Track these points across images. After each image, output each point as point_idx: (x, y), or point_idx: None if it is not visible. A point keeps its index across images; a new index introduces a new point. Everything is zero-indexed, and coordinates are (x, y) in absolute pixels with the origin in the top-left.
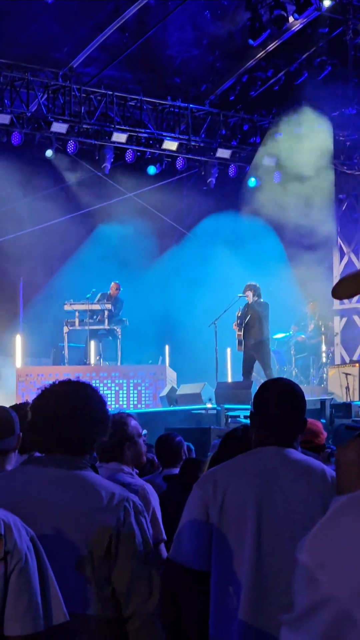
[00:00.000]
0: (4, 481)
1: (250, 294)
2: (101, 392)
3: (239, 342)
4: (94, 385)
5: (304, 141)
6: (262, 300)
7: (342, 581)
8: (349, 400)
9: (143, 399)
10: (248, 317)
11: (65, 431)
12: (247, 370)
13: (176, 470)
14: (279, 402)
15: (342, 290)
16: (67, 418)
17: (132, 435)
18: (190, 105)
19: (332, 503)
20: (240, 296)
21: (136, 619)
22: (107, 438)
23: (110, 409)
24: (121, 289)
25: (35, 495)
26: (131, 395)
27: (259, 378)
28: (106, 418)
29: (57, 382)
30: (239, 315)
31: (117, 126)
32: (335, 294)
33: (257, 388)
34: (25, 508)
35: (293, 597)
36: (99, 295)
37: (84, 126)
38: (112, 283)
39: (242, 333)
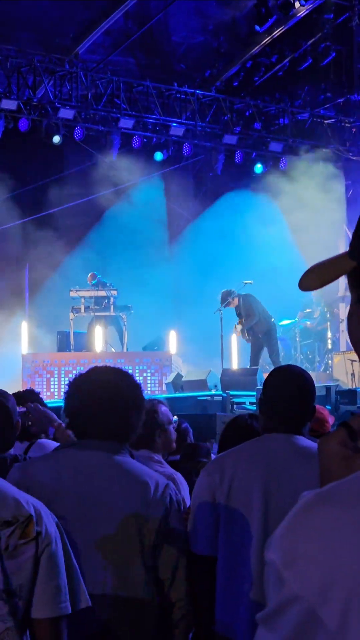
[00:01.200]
0: (48, 464)
1: (231, 302)
2: None
3: (242, 333)
4: (69, 370)
5: (308, 127)
6: (242, 294)
7: (308, 580)
8: (354, 386)
9: (149, 385)
10: (244, 318)
11: (110, 417)
12: (255, 357)
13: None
14: (289, 389)
15: (307, 282)
16: (113, 404)
17: (163, 423)
18: (197, 91)
19: (300, 499)
20: (219, 310)
21: (180, 605)
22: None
23: None
24: (97, 277)
25: (82, 483)
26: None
27: (264, 364)
28: (143, 404)
29: (98, 369)
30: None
31: (124, 112)
32: (301, 285)
33: (267, 374)
34: (73, 497)
35: (266, 595)
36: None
37: (91, 112)
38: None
39: (246, 332)
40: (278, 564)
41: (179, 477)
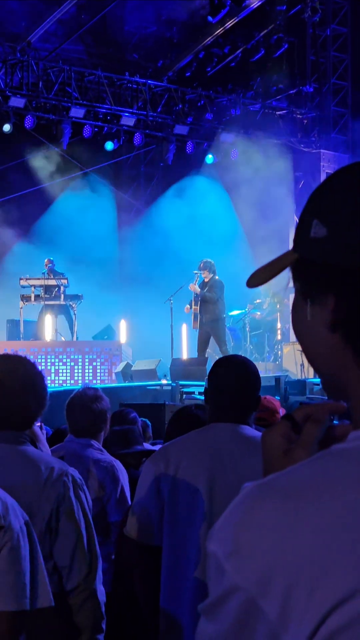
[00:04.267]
0: None
1: (206, 272)
2: (57, 367)
3: (195, 319)
4: (32, 359)
5: (260, 118)
6: (217, 278)
7: (248, 571)
8: (303, 377)
9: (98, 374)
10: (204, 295)
11: (7, 407)
12: (202, 347)
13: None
14: (233, 379)
15: (253, 280)
16: (9, 394)
17: (106, 412)
18: (148, 82)
19: (241, 490)
20: (195, 273)
21: (78, 593)
22: (79, 416)
23: (75, 385)
24: (52, 263)
25: None
26: (86, 370)
27: (214, 355)
28: (45, 393)
29: None
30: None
31: (75, 101)
32: (248, 283)
33: (212, 366)
34: None
35: (208, 586)
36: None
37: (42, 101)
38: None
39: (198, 308)
40: (219, 555)
41: (118, 464)
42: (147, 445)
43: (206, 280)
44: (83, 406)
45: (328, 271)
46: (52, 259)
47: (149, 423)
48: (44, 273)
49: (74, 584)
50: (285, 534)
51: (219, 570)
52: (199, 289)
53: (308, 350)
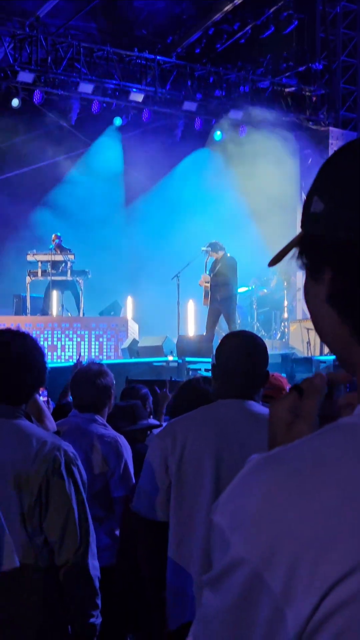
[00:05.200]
0: None
1: (215, 251)
2: (63, 343)
3: (206, 295)
4: (33, 335)
5: (269, 95)
6: (229, 255)
7: (253, 543)
8: (310, 355)
9: (105, 350)
10: (216, 273)
11: (4, 382)
12: (211, 324)
13: (143, 422)
14: (241, 355)
15: (272, 260)
16: (7, 368)
17: (110, 387)
18: (157, 57)
19: (247, 462)
20: (203, 249)
21: (68, 568)
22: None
23: (82, 360)
24: (59, 238)
25: None
26: (93, 346)
27: (221, 332)
28: (44, 368)
29: None
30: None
31: (84, 77)
32: (269, 263)
33: (220, 342)
34: None
35: (212, 558)
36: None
37: (51, 76)
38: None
39: (209, 286)
40: (223, 526)
41: (122, 440)
42: (152, 421)
43: (217, 258)
44: (87, 381)
45: (324, 245)
46: (59, 234)
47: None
48: (51, 248)
49: (64, 559)
50: (290, 508)
51: (223, 542)
52: (209, 277)
53: (316, 327)
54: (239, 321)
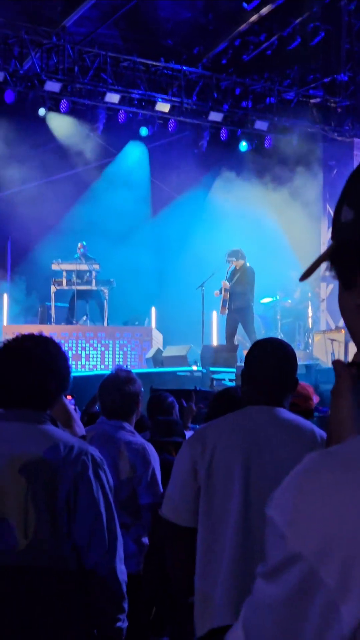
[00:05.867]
0: None
1: (236, 259)
2: (87, 352)
3: (223, 304)
4: (57, 341)
5: (294, 106)
6: (248, 265)
7: (309, 538)
8: None
9: (129, 360)
10: (234, 282)
11: (28, 387)
12: (230, 333)
13: None
14: (271, 361)
15: (304, 274)
16: (31, 374)
17: (138, 394)
18: (183, 68)
19: (305, 458)
20: (228, 261)
21: (96, 572)
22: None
23: (105, 370)
24: (84, 248)
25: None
26: (117, 356)
27: (244, 342)
28: (68, 374)
29: (19, 337)
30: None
31: (110, 86)
32: (301, 278)
33: (249, 348)
34: None
35: (266, 550)
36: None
37: (77, 86)
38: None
39: (227, 294)
40: (278, 521)
41: (149, 447)
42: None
43: (237, 267)
44: (115, 388)
45: (356, 251)
46: (84, 243)
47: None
48: (76, 258)
49: (92, 564)
50: (346, 504)
51: (278, 535)
52: (228, 284)
53: (353, 336)
54: (262, 331)
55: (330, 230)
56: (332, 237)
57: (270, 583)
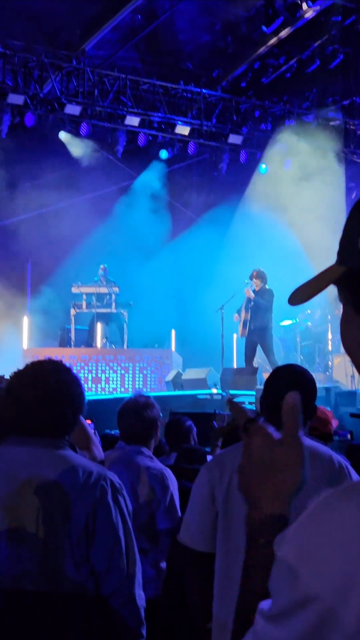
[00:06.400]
0: None
1: (257, 281)
2: (107, 375)
3: (243, 326)
4: (77, 364)
5: (314, 129)
6: (267, 287)
7: (326, 578)
8: (354, 388)
9: (148, 382)
10: (258, 301)
11: (44, 415)
12: (250, 356)
13: None
14: (290, 388)
15: (295, 298)
16: (46, 402)
17: (157, 419)
18: (203, 91)
19: (320, 495)
20: (247, 282)
21: (115, 598)
22: (133, 421)
23: (125, 393)
24: (105, 270)
25: (17, 472)
26: (137, 378)
27: (264, 365)
28: (83, 399)
29: (33, 364)
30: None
31: (130, 109)
32: (290, 301)
33: (269, 374)
34: (6, 484)
35: (270, 591)
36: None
37: (97, 109)
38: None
39: (249, 315)
40: (292, 559)
41: (168, 472)
42: None
43: (257, 289)
44: (134, 413)
45: None
46: (106, 266)
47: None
48: (96, 280)
49: (111, 589)
50: None
51: (291, 575)
52: (253, 294)
53: (356, 358)
54: (282, 353)
55: (337, 253)
56: (342, 262)
57: (278, 625)
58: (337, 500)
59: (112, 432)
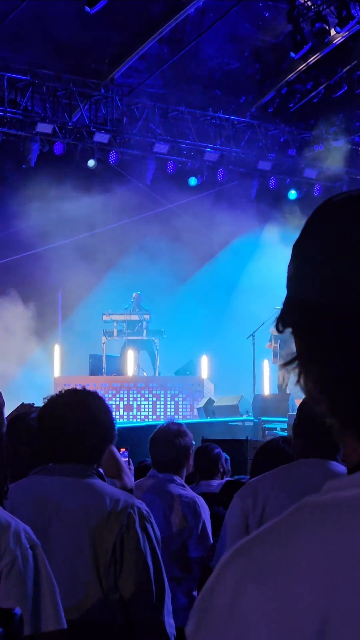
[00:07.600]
0: (17, 486)
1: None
2: (139, 403)
3: (274, 355)
4: (102, 394)
5: (342, 154)
6: None
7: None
8: None
9: (180, 410)
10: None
11: (72, 442)
12: (281, 382)
13: (214, 482)
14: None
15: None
16: (74, 429)
17: (189, 447)
18: (231, 117)
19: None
20: (278, 308)
21: (144, 625)
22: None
23: (157, 420)
24: (138, 297)
25: (44, 501)
26: (169, 406)
27: (296, 391)
28: (112, 427)
29: (62, 392)
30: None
31: (159, 137)
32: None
33: (302, 399)
34: (37, 513)
35: None
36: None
37: (126, 137)
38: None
39: (277, 346)
40: (189, 633)
41: (200, 501)
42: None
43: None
44: (167, 441)
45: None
46: (139, 293)
47: (228, 458)
48: (126, 308)
49: (140, 617)
50: (260, 602)
51: None
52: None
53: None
54: None
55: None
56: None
57: None
58: (230, 559)
59: (148, 461)
